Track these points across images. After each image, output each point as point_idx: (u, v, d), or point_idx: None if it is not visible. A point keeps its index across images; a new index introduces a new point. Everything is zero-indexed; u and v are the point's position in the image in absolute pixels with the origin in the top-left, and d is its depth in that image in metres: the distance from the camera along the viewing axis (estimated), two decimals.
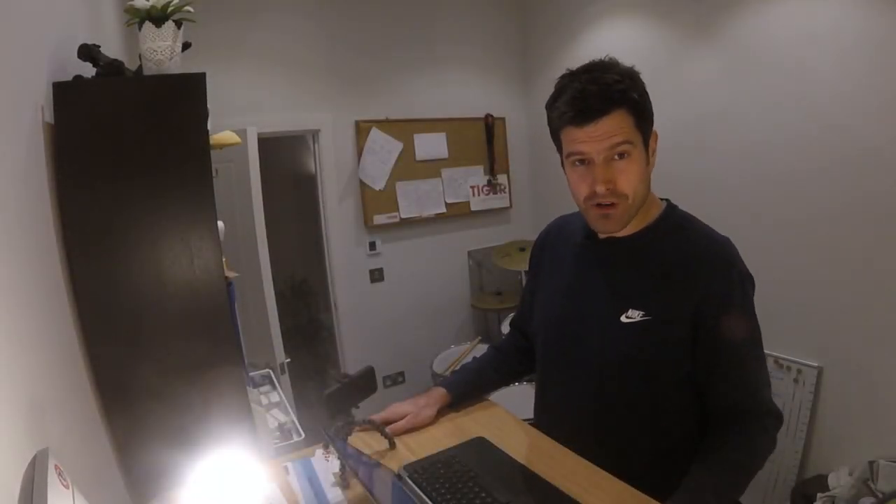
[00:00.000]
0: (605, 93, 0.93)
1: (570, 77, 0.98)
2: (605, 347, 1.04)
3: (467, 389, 1.27)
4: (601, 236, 1.09)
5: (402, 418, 1.16)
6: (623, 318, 1.01)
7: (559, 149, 1.04)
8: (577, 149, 0.97)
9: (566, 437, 1.09)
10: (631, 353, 1.01)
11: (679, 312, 0.97)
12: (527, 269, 1.33)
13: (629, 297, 1.02)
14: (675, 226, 1.05)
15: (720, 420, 1.00)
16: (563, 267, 1.16)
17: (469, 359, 3.08)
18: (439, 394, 1.22)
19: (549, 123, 1.03)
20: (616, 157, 0.95)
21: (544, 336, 1.19)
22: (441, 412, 1.23)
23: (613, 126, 0.93)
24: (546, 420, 1.21)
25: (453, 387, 1.25)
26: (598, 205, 0.98)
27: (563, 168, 1.05)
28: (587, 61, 1.01)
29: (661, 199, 1.10)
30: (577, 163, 0.99)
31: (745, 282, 1.00)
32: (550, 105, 1.01)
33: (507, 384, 1.33)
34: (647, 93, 0.98)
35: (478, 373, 1.31)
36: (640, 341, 1.00)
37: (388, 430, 1.12)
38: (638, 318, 1.00)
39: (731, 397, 0.99)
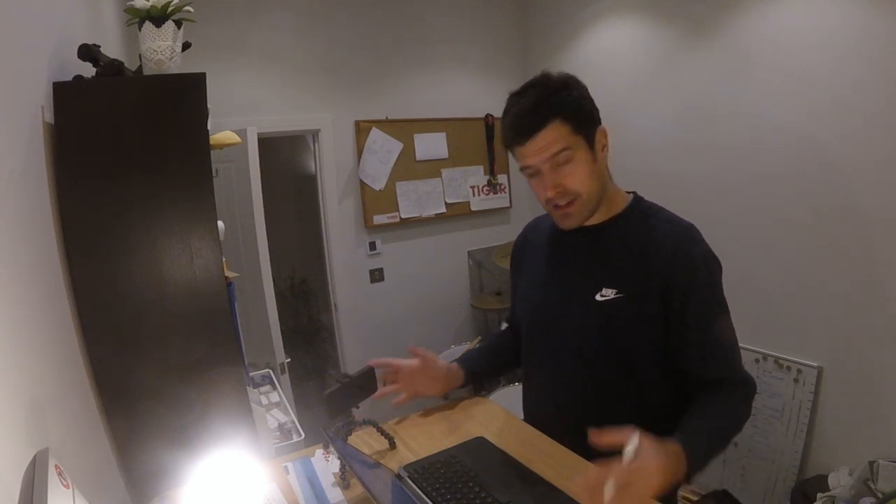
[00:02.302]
0: (537, 109, 1.02)
1: (512, 99, 1.07)
2: (582, 326, 1.10)
3: (475, 365, 1.31)
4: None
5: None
6: (598, 297, 1.07)
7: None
8: (525, 163, 1.07)
9: (550, 418, 1.15)
10: (607, 329, 1.06)
11: (649, 289, 1.04)
12: None
13: (602, 278, 1.08)
14: (641, 214, 1.12)
15: (699, 390, 1.06)
16: (539, 260, 1.23)
17: None
18: (454, 367, 1.27)
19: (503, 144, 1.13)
20: (559, 163, 1.03)
21: (527, 325, 1.24)
22: (441, 411, 1.24)
23: (549, 138, 1.02)
24: (531, 405, 1.26)
25: (462, 362, 1.30)
26: (557, 206, 1.07)
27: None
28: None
29: (629, 192, 1.17)
30: (529, 175, 1.08)
31: (710, 261, 1.06)
32: (501, 128, 1.11)
33: (513, 366, 1.36)
34: (585, 97, 1.06)
35: (480, 353, 1.38)
36: (614, 317, 1.05)
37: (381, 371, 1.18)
38: (612, 296, 1.06)
39: (707, 370, 1.05)
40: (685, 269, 1.03)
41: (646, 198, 1.17)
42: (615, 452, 0.95)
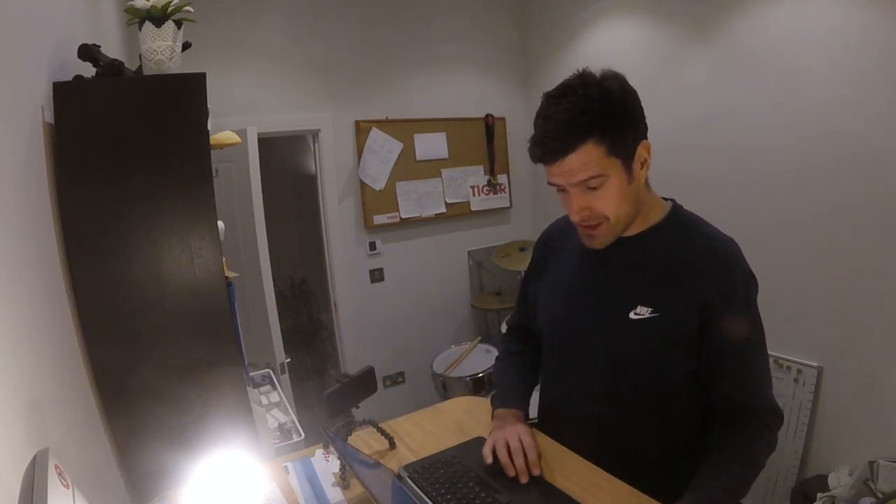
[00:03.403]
0: (567, 131, 0.91)
1: (543, 107, 0.97)
2: (615, 344, 1.04)
3: (527, 400, 1.23)
4: None
5: (522, 456, 1.02)
6: (632, 315, 1.01)
7: None
8: (553, 181, 0.99)
9: (573, 434, 1.09)
10: (641, 349, 1.01)
11: (686, 310, 0.98)
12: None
13: (637, 295, 1.02)
14: (680, 226, 1.06)
15: (724, 418, 1.01)
16: (568, 267, 1.16)
17: (469, 359, 3.11)
18: (519, 417, 1.16)
19: None
20: (589, 187, 0.95)
21: (551, 336, 1.18)
22: (441, 411, 1.24)
23: (579, 162, 0.93)
24: (551, 419, 1.20)
25: (518, 403, 1.19)
26: (583, 225, 1.02)
27: None
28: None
29: (667, 199, 1.10)
30: (557, 190, 1.01)
31: (750, 282, 1.01)
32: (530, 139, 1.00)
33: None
34: (627, 109, 0.96)
35: (523, 381, 1.26)
36: (649, 338, 1.00)
37: (531, 469, 0.99)
38: (647, 315, 1.00)
39: (735, 396, 1.00)
40: (725, 292, 0.97)
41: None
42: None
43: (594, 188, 0.95)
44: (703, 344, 0.98)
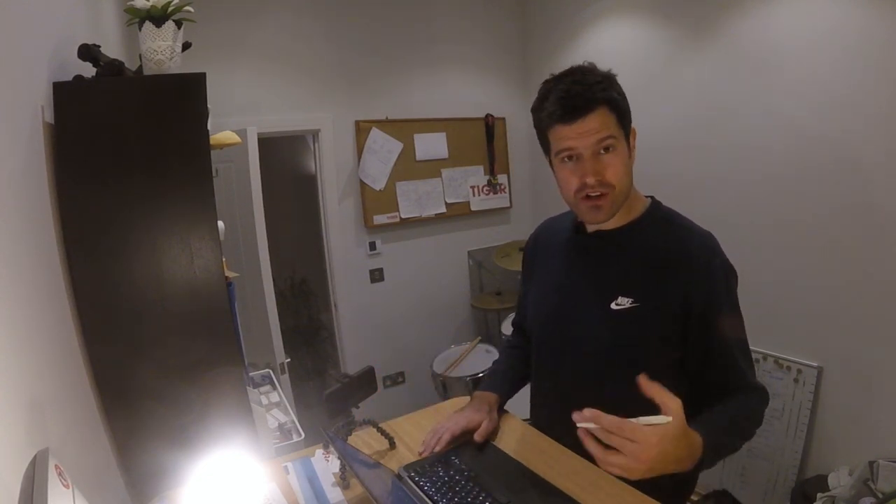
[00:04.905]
0: (590, 92, 0.99)
1: (555, 81, 1.04)
2: (596, 334, 1.07)
3: (508, 388, 1.28)
4: (590, 229, 1.14)
5: (475, 427, 1.12)
6: (613, 306, 1.05)
7: (546, 149, 1.09)
8: (567, 145, 1.01)
9: (560, 428, 1.10)
10: (621, 338, 1.04)
11: (667, 302, 1.01)
12: None
13: (618, 286, 1.06)
14: (659, 220, 1.10)
15: (714, 398, 1.04)
16: (554, 263, 1.20)
17: (469, 359, 3.11)
18: (492, 399, 1.21)
19: (537, 125, 1.08)
20: (602, 151, 1.00)
21: (538, 331, 1.21)
22: (444, 413, 1.23)
23: (598, 122, 0.99)
24: (540, 413, 1.23)
25: (497, 388, 1.25)
26: (588, 196, 1.03)
27: (552, 166, 1.09)
28: (587, 61, 1.07)
29: (646, 196, 1.14)
30: (566, 159, 1.03)
31: (729, 273, 1.05)
32: (537, 107, 1.06)
33: (528, 380, 1.34)
34: (624, 94, 1.05)
35: (511, 371, 1.32)
36: (629, 327, 1.03)
37: (476, 436, 1.10)
38: (627, 305, 1.04)
39: (723, 384, 1.03)
40: (706, 283, 1.00)
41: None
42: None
43: (607, 150, 1.00)
44: (687, 335, 1.01)
